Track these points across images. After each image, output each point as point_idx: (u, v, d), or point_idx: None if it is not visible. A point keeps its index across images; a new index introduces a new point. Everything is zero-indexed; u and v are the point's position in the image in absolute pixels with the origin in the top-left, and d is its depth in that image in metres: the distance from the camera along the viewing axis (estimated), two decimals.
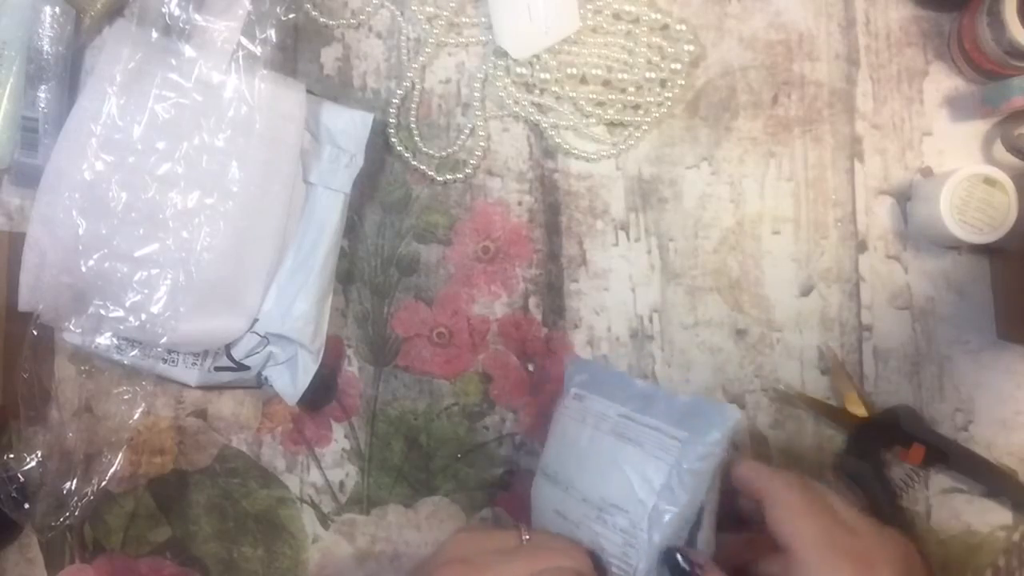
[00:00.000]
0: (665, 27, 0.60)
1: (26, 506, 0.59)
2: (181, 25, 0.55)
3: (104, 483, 0.61)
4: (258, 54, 0.55)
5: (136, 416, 0.61)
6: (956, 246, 0.59)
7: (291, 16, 0.59)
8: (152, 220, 0.54)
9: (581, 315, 0.61)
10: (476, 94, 0.62)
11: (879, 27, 0.61)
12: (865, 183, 0.60)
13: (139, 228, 0.54)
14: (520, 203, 0.62)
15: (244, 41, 0.55)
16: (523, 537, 0.47)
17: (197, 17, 0.55)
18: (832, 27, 0.61)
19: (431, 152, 0.62)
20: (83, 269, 0.54)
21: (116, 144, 0.54)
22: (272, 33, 0.56)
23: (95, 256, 0.54)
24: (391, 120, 0.62)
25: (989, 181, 0.55)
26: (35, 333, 0.57)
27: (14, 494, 0.59)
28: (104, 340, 0.56)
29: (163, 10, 0.55)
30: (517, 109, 0.61)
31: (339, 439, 0.62)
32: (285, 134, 0.56)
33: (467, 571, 0.44)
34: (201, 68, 0.54)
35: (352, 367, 0.62)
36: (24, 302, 0.55)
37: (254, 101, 0.55)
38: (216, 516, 0.62)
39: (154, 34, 0.54)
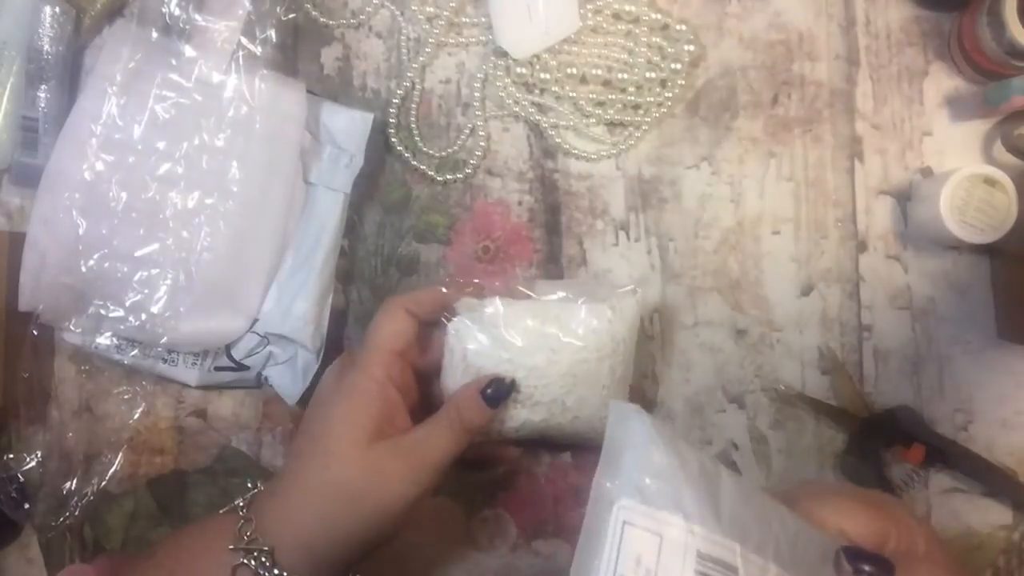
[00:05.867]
0: (665, 27, 0.60)
1: (26, 506, 0.59)
2: (181, 25, 0.55)
3: (104, 483, 0.61)
4: (258, 54, 0.55)
5: (136, 416, 0.61)
6: (956, 246, 0.59)
7: (291, 16, 0.59)
8: (152, 220, 0.54)
9: None
10: (476, 94, 0.62)
11: (879, 27, 0.61)
12: (865, 183, 0.60)
13: (139, 228, 0.54)
14: (520, 203, 0.62)
15: (244, 41, 0.55)
16: None
17: (197, 17, 0.54)
18: (832, 27, 0.61)
19: (431, 152, 0.62)
20: (83, 269, 0.54)
21: (116, 144, 0.54)
22: (272, 33, 0.56)
23: (95, 256, 0.54)
24: (391, 120, 0.62)
25: (989, 181, 0.55)
26: (35, 333, 0.57)
27: (14, 494, 0.59)
28: (104, 340, 0.56)
29: (163, 10, 0.55)
30: (517, 109, 0.61)
31: None
32: (285, 134, 0.56)
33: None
34: (201, 68, 0.54)
35: None
36: (24, 302, 0.55)
37: (254, 101, 0.55)
38: None
39: (154, 34, 0.54)
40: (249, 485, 0.52)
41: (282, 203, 0.57)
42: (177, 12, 0.55)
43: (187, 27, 0.55)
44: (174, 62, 0.54)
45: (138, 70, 0.53)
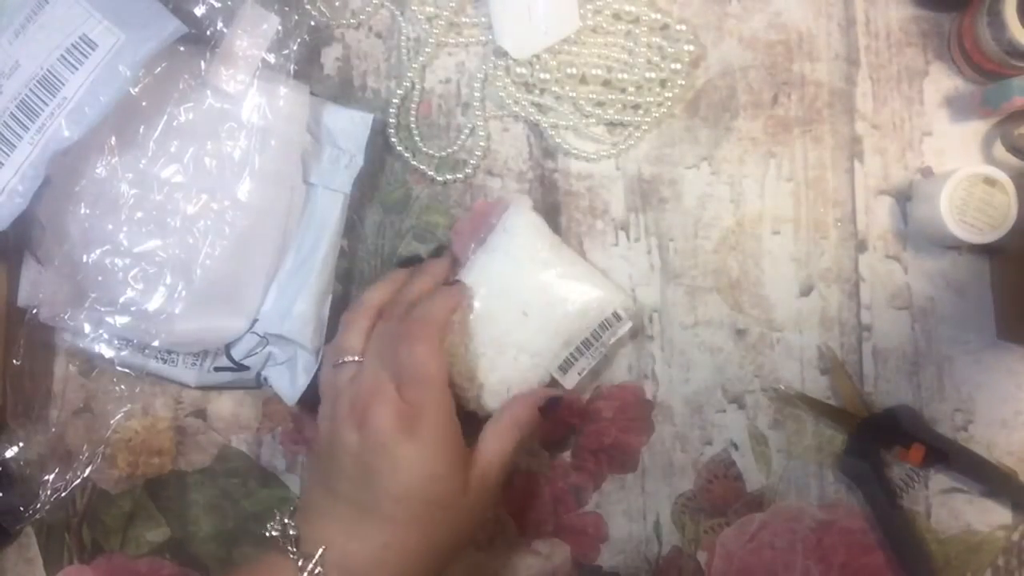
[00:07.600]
0: (665, 27, 0.60)
1: (21, 508, 0.59)
2: (208, 35, 0.54)
3: (100, 482, 0.61)
4: (278, 68, 0.55)
5: (133, 415, 0.61)
6: (956, 246, 0.59)
7: (311, 37, 0.60)
8: (157, 221, 0.54)
9: None
10: (476, 94, 0.62)
11: (879, 27, 0.61)
12: (865, 183, 0.60)
13: (143, 227, 0.54)
14: None
15: (266, 56, 0.55)
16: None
17: (226, 31, 0.54)
18: (832, 27, 0.61)
19: (431, 152, 0.62)
20: (85, 260, 0.54)
21: (130, 144, 0.53)
22: (294, 48, 0.56)
23: (97, 251, 0.54)
24: (391, 120, 0.62)
25: (989, 181, 0.55)
26: (32, 327, 0.57)
27: (9, 494, 0.58)
28: (101, 338, 0.56)
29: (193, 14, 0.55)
30: (517, 109, 0.61)
31: None
32: (289, 138, 0.56)
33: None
34: (222, 79, 0.54)
35: None
36: (24, 295, 0.55)
37: (271, 114, 0.55)
38: (215, 516, 0.62)
39: (181, 48, 0.54)
40: (287, 522, 0.50)
41: (284, 205, 0.57)
42: (206, 23, 0.54)
43: (214, 39, 0.54)
44: (197, 71, 0.54)
45: (160, 76, 0.53)
